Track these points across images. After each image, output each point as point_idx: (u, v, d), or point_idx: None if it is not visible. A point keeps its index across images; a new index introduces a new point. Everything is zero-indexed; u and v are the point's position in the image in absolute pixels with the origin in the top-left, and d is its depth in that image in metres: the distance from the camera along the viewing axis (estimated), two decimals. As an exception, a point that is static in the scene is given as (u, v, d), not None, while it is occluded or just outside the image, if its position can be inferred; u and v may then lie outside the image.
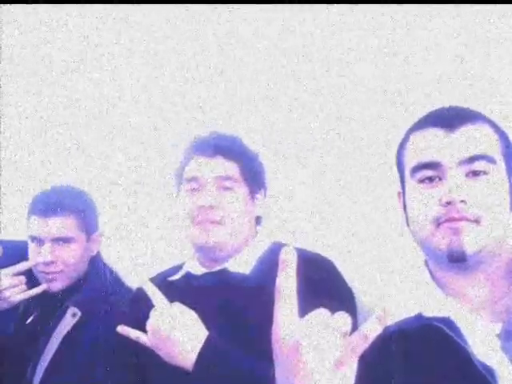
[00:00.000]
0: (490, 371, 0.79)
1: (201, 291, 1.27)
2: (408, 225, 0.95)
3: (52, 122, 2.01)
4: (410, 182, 0.92)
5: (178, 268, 1.38)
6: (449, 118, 0.91)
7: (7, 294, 1.45)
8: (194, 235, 1.28)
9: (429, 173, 0.89)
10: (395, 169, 1.00)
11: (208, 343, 1.13)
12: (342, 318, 0.63)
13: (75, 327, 1.48)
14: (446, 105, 0.97)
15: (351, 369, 0.63)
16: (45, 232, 1.51)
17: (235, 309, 1.20)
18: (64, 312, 1.50)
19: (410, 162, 0.93)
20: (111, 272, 1.65)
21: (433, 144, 0.89)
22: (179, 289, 1.30)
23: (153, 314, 1.18)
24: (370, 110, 1.43)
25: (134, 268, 1.70)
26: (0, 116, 1.86)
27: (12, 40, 1.94)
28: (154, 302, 1.19)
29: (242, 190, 1.30)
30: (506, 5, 1.20)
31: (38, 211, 1.53)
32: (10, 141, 2.01)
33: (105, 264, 1.66)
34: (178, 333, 1.13)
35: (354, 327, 0.63)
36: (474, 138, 0.88)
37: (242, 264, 1.29)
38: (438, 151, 0.88)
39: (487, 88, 1.23)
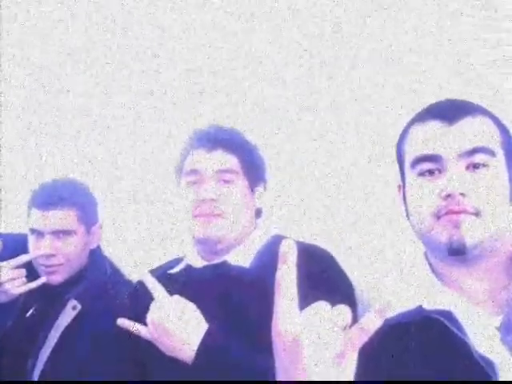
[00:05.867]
0: (489, 364, 0.79)
1: (201, 284, 1.27)
2: (408, 217, 0.95)
3: (52, 115, 2.00)
4: (410, 175, 0.92)
5: (178, 261, 1.38)
6: (449, 111, 0.90)
7: (7, 286, 1.44)
8: (194, 228, 1.28)
9: (429, 166, 0.89)
10: (395, 161, 1.00)
11: (208, 336, 1.13)
12: (342, 311, 0.63)
13: (75, 320, 1.48)
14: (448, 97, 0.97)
15: (351, 362, 0.63)
16: (45, 225, 1.51)
17: (235, 301, 1.20)
18: (64, 305, 1.50)
19: (410, 154, 0.92)
20: (111, 265, 1.65)
21: (433, 137, 0.89)
22: (179, 282, 1.30)
23: (152, 307, 1.18)
24: (371, 102, 1.42)
25: (134, 261, 1.70)
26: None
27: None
28: (154, 294, 1.19)
29: (241, 182, 1.30)
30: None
31: (38, 204, 1.52)
32: (9, 133, 2.00)
33: (105, 257, 1.66)
34: (178, 326, 1.13)
35: (354, 320, 0.63)
36: (473, 131, 0.88)
37: (242, 257, 1.29)
38: (437, 144, 0.88)
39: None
